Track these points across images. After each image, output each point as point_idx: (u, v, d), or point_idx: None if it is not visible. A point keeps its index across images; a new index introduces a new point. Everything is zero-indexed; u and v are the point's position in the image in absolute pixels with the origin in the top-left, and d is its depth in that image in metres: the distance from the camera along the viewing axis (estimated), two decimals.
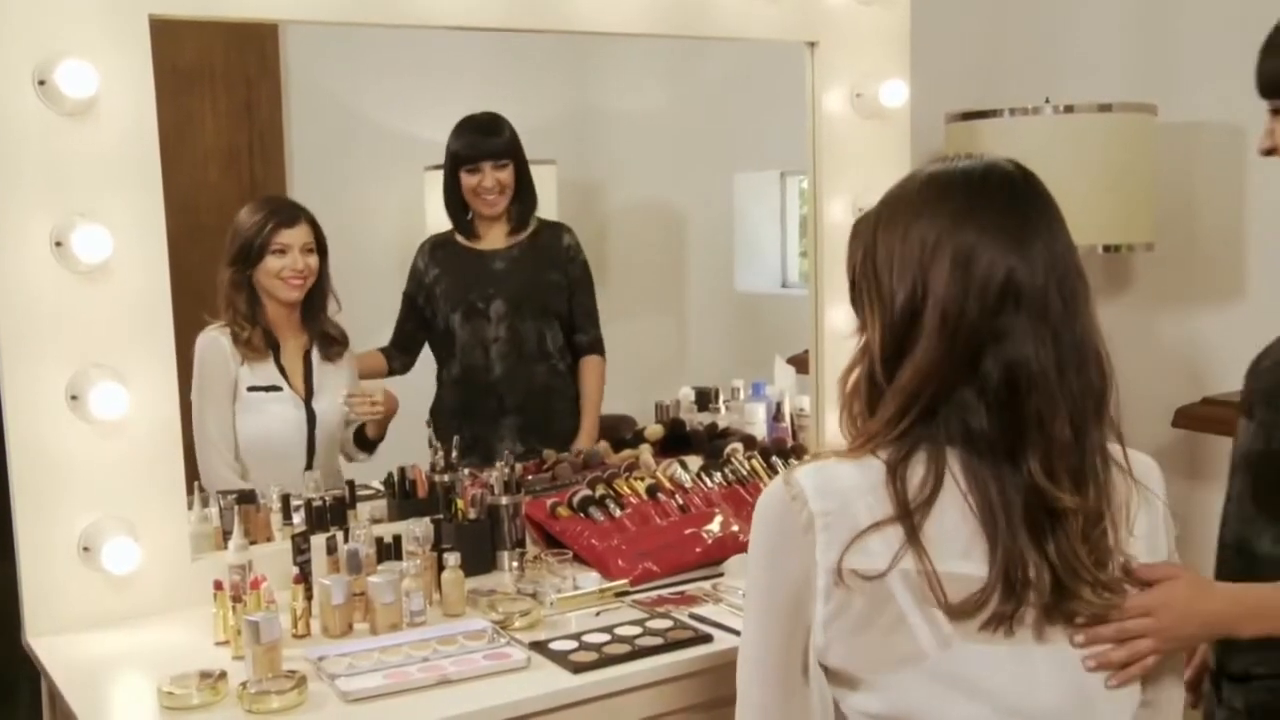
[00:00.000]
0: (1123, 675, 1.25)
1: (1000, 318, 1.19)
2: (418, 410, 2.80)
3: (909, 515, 1.18)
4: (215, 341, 2.42)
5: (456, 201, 2.84)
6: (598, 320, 2.94)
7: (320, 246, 2.50)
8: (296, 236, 2.46)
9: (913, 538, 1.17)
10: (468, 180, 2.81)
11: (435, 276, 2.85)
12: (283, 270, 2.44)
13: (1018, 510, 1.19)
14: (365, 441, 2.59)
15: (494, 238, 2.86)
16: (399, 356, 2.87)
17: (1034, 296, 1.20)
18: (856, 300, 1.31)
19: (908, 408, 1.21)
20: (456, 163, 2.81)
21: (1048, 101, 2.89)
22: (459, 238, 2.86)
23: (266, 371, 2.46)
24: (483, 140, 2.81)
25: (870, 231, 1.29)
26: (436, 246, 2.88)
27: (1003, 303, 1.19)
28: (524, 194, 2.86)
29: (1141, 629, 1.25)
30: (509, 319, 2.81)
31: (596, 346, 2.93)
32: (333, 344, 2.54)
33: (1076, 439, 1.20)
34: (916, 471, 1.20)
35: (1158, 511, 1.32)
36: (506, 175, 2.81)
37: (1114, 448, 1.28)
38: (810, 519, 1.19)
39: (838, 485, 1.20)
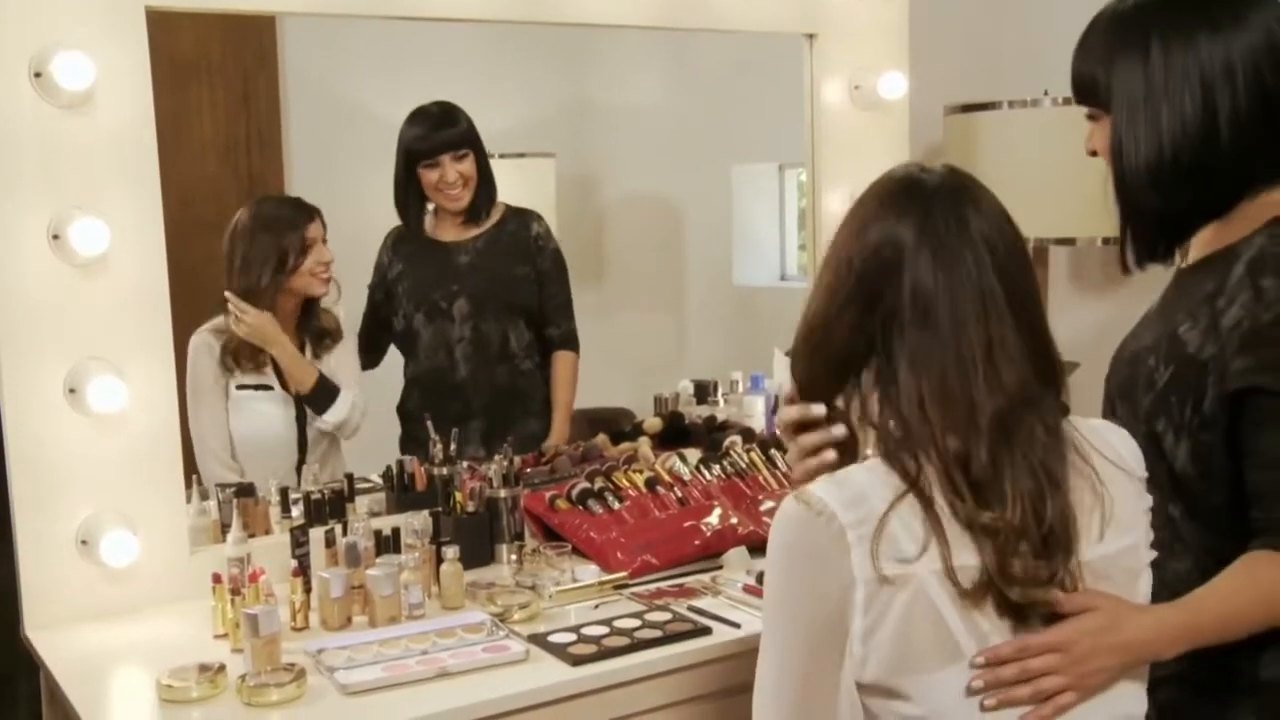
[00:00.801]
0: (1037, 715, 1.23)
1: (885, 332, 1.23)
2: (386, 407, 2.79)
3: (916, 483, 1.18)
4: (206, 344, 2.42)
5: (413, 196, 2.72)
6: (572, 313, 2.83)
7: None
8: (318, 230, 2.48)
9: (929, 509, 1.17)
10: (427, 176, 2.69)
11: (399, 272, 2.76)
12: (315, 267, 2.45)
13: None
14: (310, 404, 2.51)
15: (455, 230, 2.76)
16: (365, 354, 2.76)
17: (919, 315, 1.22)
18: None
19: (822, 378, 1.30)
20: (412, 158, 2.68)
21: (1046, 94, 2.89)
22: (423, 230, 2.77)
23: (259, 372, 2.46)
24: (438, 132, 2.68)
25: None
26: (400, 240, 2.78)
27: (889, 329, 1.23)
28: (484, 186, 2.74)
29: (1046, 667, 1.23)
30: (473, 318, 2.72)
31: (569, 341, 2.82)
32: (325, 337, 2.53)
33: (969, 453, 1.19)
34: (904, 456, 1.21)
35: (1141, 501, 1.32)
36: (468, 166, 2.69)
37: (1085, 449, 1.28)
38: (841, 531, 1.17)
39: (857, 490, 1.19)
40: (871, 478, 1.21)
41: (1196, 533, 1.46)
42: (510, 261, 2.78)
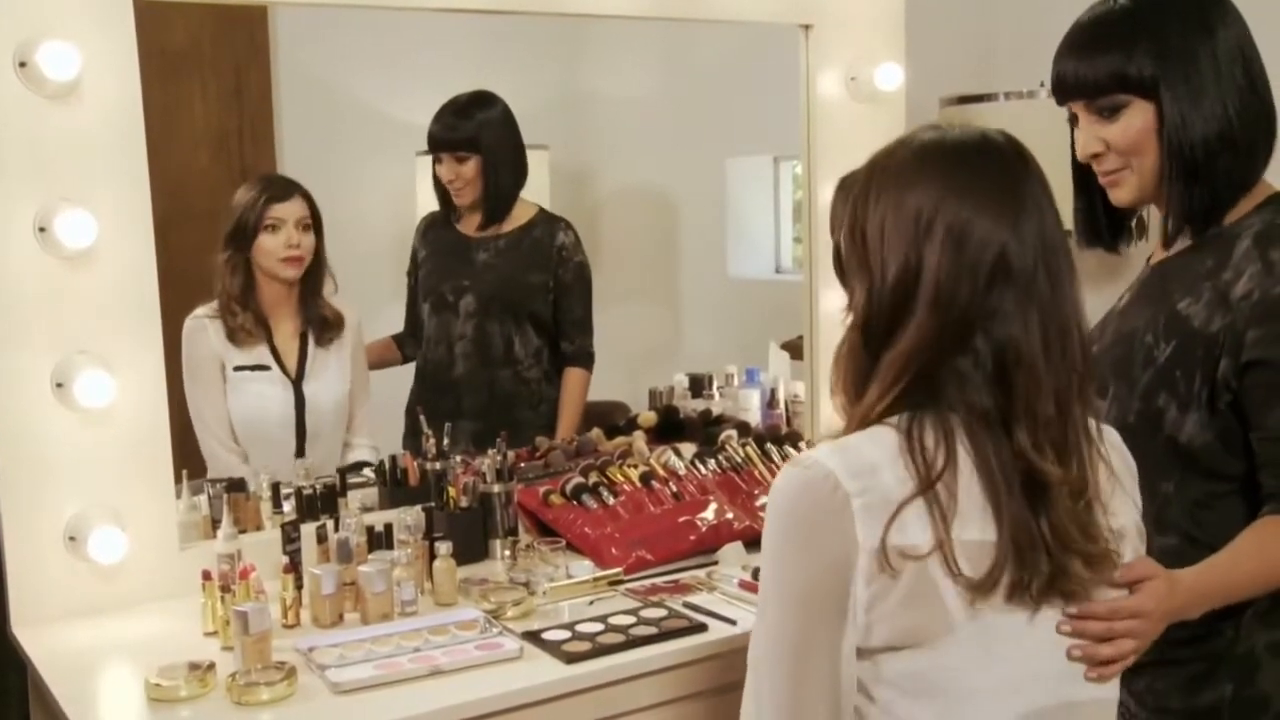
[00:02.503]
0: (1104, 671, 1.28)
1: (991, 296, 1.20)
2: (402, 400, 2.78)
3: (932, 484, 1.17)
4: (200, 325, 2.40)
5: (440, 188, 2.76)
6: (589, 329, 2.81)
7: (316, 224, 2.47)
8: (290, 211, 2.43)
9: (937, 507, 1.17)
10: (436, 169, 2.72)
11: (422, 259, 2.78)
12: (278, 248, 2.41)
13: (1015, 480, 1.20)
14: None
15: (478, 227, 2.76)
16: (410, 342, 2.81)
17: (1023, 276, 1.21)
18: (841, 268, 1.31)
19: (900, 379, 1.22)
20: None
21: (1042, 85, 2.87)
22: (451, 221, 2.79)
23: (256, 351, 2.43)
24: (443, 130, 2.69)
25: (861, 199, 1.29)
26: (430, 226, 2.81)
27: (993, 281, 1.20)
28: (495, 188, 2.72)
29: (1128, 630, 1.28)
30: (478, 316, 2.71)
31: (582, 358, 2.80)
32: (328, 327, 2.51)
33: (1060, 415, 1.21)
34: (929, 436, 1.20)
35: (1128, 491, 1.34)
36: (468, 169, 2.69)
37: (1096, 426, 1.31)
38: (845, 499, 1.17)
39: (863, 461, 1.19)
40: (881, 454, 1.20)
41: (1188, 506, 1.52)
42: (527, 267, 2.76)
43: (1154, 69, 1.52)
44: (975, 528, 1.18)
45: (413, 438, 2.60)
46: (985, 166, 1.24)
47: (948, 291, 1.20)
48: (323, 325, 2.50)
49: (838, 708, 1.21)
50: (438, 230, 2.79)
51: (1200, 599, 1.41)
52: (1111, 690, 1.32)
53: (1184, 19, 1.53)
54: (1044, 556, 1.19)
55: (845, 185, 1.32)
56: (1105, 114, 1.57)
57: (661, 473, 2.31)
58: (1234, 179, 1.54)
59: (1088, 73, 1.57)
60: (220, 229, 2.43)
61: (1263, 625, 1.51)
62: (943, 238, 1.20)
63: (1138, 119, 1.55)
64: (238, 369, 2.43)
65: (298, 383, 2.47)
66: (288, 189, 2.45)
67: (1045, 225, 1.23)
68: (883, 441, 1.20)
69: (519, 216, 2.78)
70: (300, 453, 2.45)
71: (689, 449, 2.43)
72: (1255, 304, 1.44)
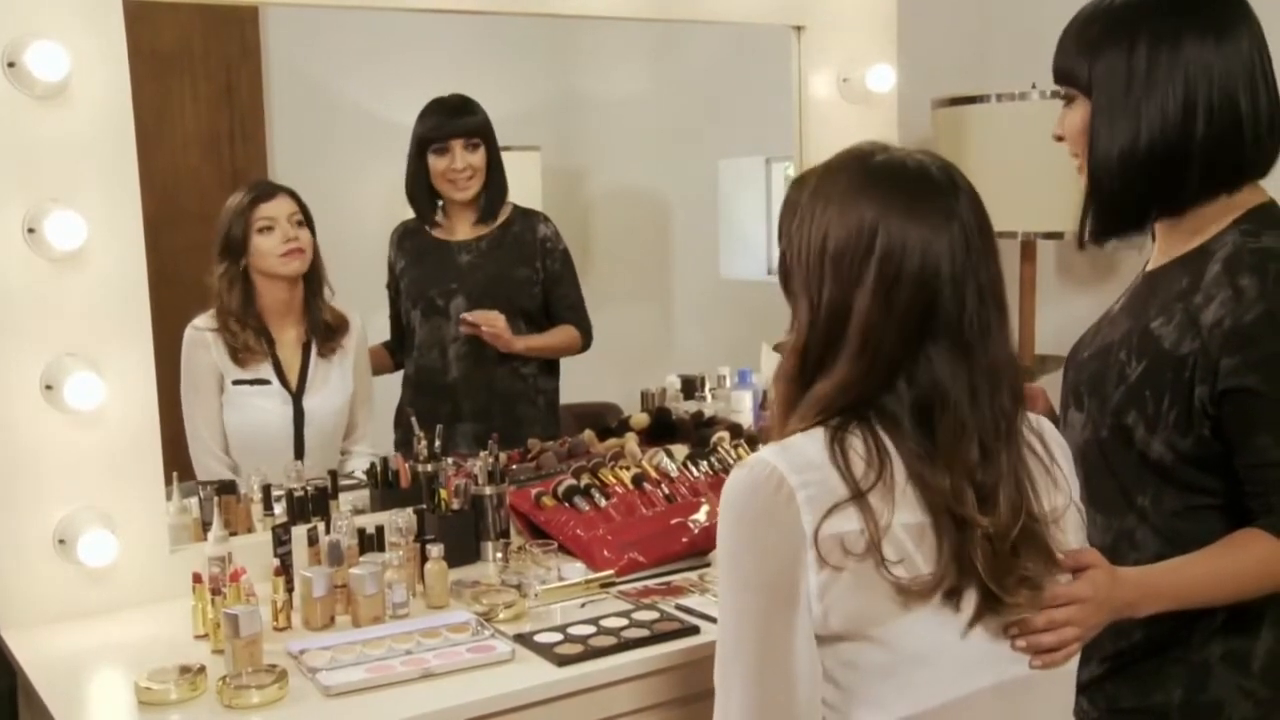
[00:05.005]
0: (1048, 659, 1.30)
1: (920, 344, 1.22)
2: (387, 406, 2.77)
3: (863, 494, 1.20)
4: (200, 338, 2.39)
5: (423, 189, 2.72)
6: (584, 311, 2.81)
7: (308, 220, 2.45)
8: (279, 208, 2.40)
9: (865, 509, 1.20)
10: (436, 163, 2.68)
11: (402, 268, 2.76)
12: (276, 245, 2.38)
13: (945, 512, 1.22)
14: None
15: (463, 228, 2.75)
16: (399, 351, 2.80)
17: (952, 322, 1.22)
18: (786, 286, 1.33)
19: (818, 416, 1.25)
20: (424, 144, 2.68)
21: (1034, 87, 2.88)
22: (427, 226, 2.77)
23: (257, 366, 2.42)
24: (452, 120, 2.68)
25: (802, 220, 1.30)
26: (405, 235, 2.79)
27: (923, 330, 1.22)
28: (494, 181, 2.73)
29: (1068, 618, 1.30)
30: None
31: (582, 328, 2.82)
32: (331, 334, 2.49)
33: (984, 460, 1.23)
34: (858, 445, 1.22)
35: (1065, 474, 1.36)
36: (478, 158, 2.69)
37: (1038, 441, 1.32)
38: (791, 494, 1.20)
39: (805, 458, 1.22)
40: (819, 450, 1.22)
41: (1165, 518, 1.52)
42: (513, 263, 2.75)
43: (1088, 73, 1.53)
44: (909, 511, 1.21)
45: (406, 446, 2.60)
46: (922, 196, 1.25)
47: (875, 340, 1.22)
48: (326, 332, 2.48)
49: (804, 694, 1.22)
50: (415, 238, 2.77)
51: (1149, 596, 1.42)
52: (1070, 663, 1.34)
53: (1136, 35, 1.50)
54: (975, 583, 1.22)
55: (791, 198, 1.34)
56: (1065, 101, 1.60)
57: (654, 474, 2.31)
58: (1139, 201, 1.53)
59: (1056, 58, 1.59)
60: (211, 239, 2.40)
61: (1221, 635, 1.50)
62: (873, 281, 1.22)
63: (1079, 113, 1.56)
64: (237, 383, 2.41)
65: (298, 397, 2.45)
66: (272, 189, 2.43)
67: (981, 268, 1.23)
68: (820, 439, 1.24)
69: (499, 215, 2.77)
70: (299, 459, 2.43)
71: (681, 450, 2.42)
72: (1228, 332, 1.43)
